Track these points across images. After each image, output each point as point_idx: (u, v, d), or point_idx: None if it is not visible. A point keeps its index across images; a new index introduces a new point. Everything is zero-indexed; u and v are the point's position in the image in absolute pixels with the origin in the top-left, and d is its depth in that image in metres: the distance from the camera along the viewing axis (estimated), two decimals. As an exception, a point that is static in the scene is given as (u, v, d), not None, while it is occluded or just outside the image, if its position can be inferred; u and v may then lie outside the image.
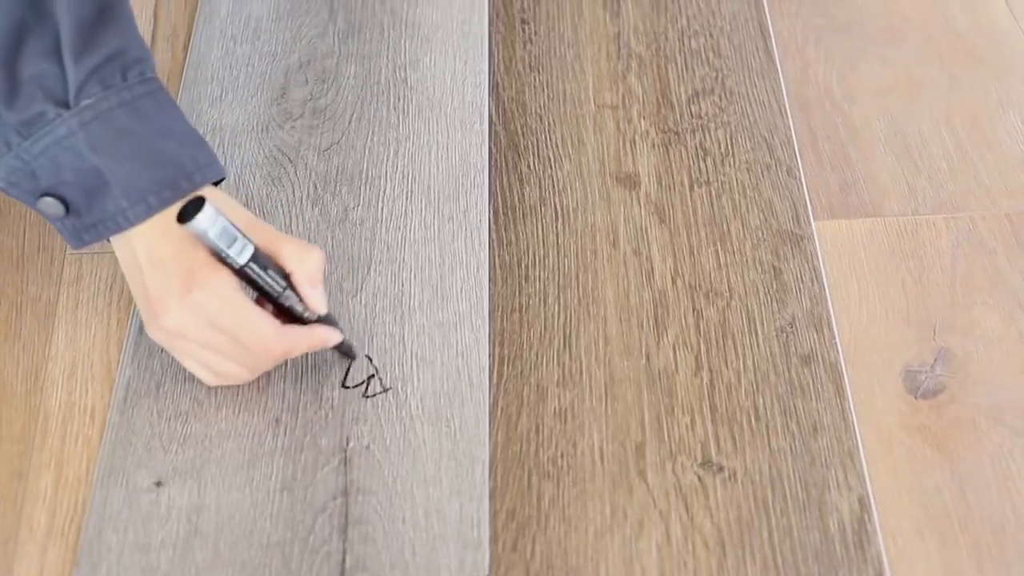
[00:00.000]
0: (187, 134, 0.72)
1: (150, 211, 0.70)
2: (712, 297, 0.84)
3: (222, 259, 0.71)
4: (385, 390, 0.78)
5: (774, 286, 0.84)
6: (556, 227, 0.88)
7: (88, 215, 0.70)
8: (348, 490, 0.74)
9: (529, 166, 0.92)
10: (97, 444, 0.78)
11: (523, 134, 0.94)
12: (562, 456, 0.77)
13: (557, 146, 0.93)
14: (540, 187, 0.91)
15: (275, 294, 0.74)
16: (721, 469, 0.76)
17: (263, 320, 0.73)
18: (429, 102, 0.95)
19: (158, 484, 0.75)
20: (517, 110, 0.96)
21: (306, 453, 0.76)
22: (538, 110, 0.95)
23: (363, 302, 0.83)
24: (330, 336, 0.77)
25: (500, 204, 0.89)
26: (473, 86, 0.96)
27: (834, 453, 0.76)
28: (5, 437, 0.79)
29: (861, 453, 0.76)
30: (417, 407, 0.78)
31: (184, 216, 0.69)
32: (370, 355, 0.80)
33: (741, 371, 0.80)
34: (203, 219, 0.68)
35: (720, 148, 0.93)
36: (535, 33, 1.01)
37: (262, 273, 0.72)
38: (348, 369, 0.79)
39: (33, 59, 0.66)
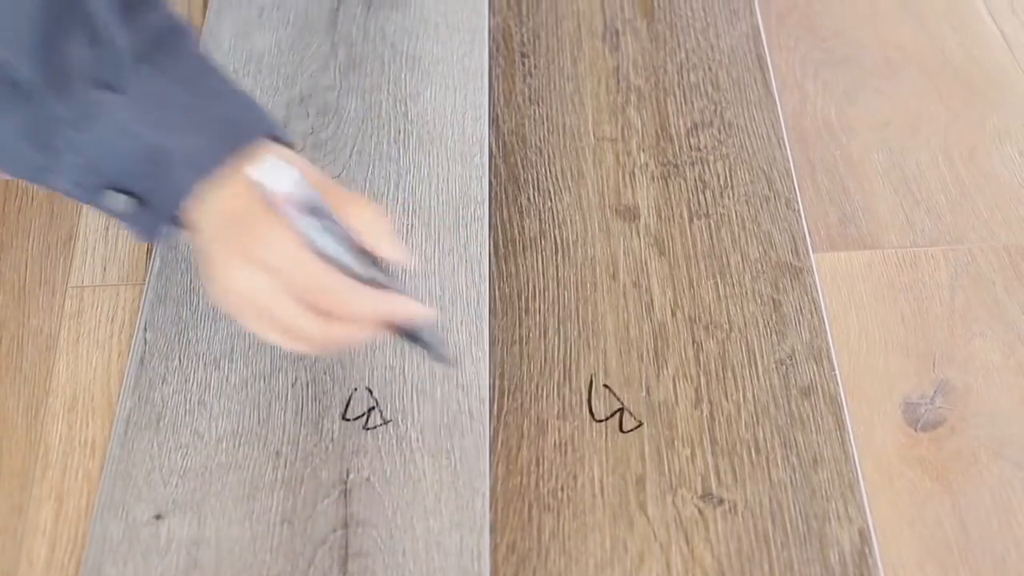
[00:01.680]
0: (237, 97, 0.71)
1: (206, 172, 0.67)
2: (712, 329, 0.84)
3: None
4: (385, 422, 0.79)
5: (773, 318, 0.84)
6: (556, 259, 0.88)
7: (155, 198, 0.68)
8: (348, 522, 0.74)
9: (529, 199, 0.92)
10: (97, 477, 0.78)
11: (523, 167, 0.95)
12: (562, 489, 0.76)
13: (557, 179, 0.94)
14: (540, 220, 0.91)
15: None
16: (721, 502, 0.76)
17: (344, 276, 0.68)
18: (429, 135, 0.95)
19: (158, 517, 0.75)
20: (517, 143, 0.96)
21: (306, 485, 0.76)
22: (538, 143, 0.96)
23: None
24: (411, 306, 0.70)
25: (500, 237, 0.90)
26: (473, 119, 0.96)
27: (834, 485, 0.76)
28: (5, 470, 0.79)
29: (861, 485, 0.76)
30: (417, 439, 0.78)
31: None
32: (370, 387, 0.80)
33: (741, 403, 0.80)
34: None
35: (719, 180, 0.93)
36: (535, 66, 1.02)
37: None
38: (348, 401, 0.79)
39: (77, 47, 0.65)
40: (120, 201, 0.68)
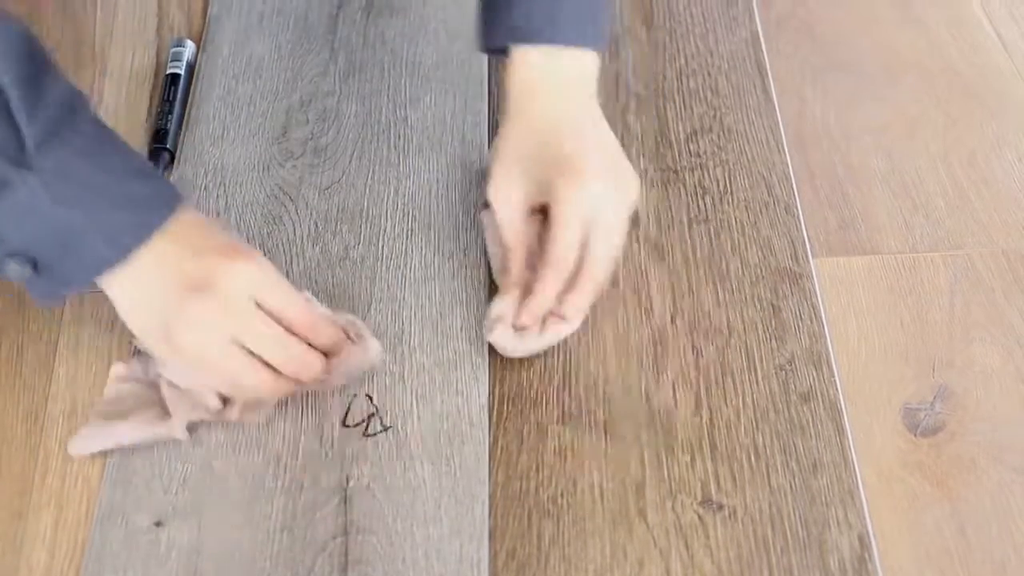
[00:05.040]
0: (147, 169, 0.74)
1: (129, 249, 0.70)
2: (711, 335, 0.84)
3: None
4: (385, 429, 0.79)
5: (773, 324, 0.84)
6: (556, 265, 0.88)
7: (60, 267, 0.70)
8: (348, 529, 0.74)
9: (529, 204, 0.92)
10: (97, 484, 0.78)
11: (523, 172, 0.94)
12: (562, 495, 0.76)
13: (556, 184, 0.93)
14: (540, 225, 0.91)
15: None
16: (721, 507, 0.76)
17: (306, 303, 0.76)
18: (429, 141, 0.95)
19: (158, 524, 0.75)
20: (517, 149, 0.96)
21: (306, 492, 0.76)
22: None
23: (363, 340, 0.83)
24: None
25: (500, 242, 0.90)
26: (473, 125, 0.96)
27: (834, 491, 0.76)
28: (5, 476, 0.79)
29: (861, 491, 0.76)
30: (417, 446, 0.78)
31: None
32: (370, 394, 0.80)
33: (740, 409, 0.80)
34: None
35: (719, 186, 0.93)
36: (534, 72, 1.02)
37: None
38: (348, 408, 0.79)
39: None
40: (15, 269, 0.69)
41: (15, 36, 0.68)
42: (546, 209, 0.80)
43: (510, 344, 0.81)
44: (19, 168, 0.66)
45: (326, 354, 0.76)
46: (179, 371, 0.76)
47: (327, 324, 0.77)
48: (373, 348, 0.79)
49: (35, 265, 0.69)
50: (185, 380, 0.77)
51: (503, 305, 0.81)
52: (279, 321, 0.73)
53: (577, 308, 0.80)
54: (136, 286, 0.73)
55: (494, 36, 0.83)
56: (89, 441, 0.78)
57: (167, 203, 0.73)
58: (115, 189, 0.70)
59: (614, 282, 0.86)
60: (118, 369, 0.80)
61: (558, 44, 0.81)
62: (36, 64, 0.68)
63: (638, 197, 0.83)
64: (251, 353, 0.73)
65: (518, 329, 0.80)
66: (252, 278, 0.72)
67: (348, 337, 0.78)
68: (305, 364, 0.75)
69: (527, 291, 0.79)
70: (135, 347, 0.81)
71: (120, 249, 0.70)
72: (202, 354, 0.73)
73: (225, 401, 0.77)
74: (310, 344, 0.75)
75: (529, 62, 0.82)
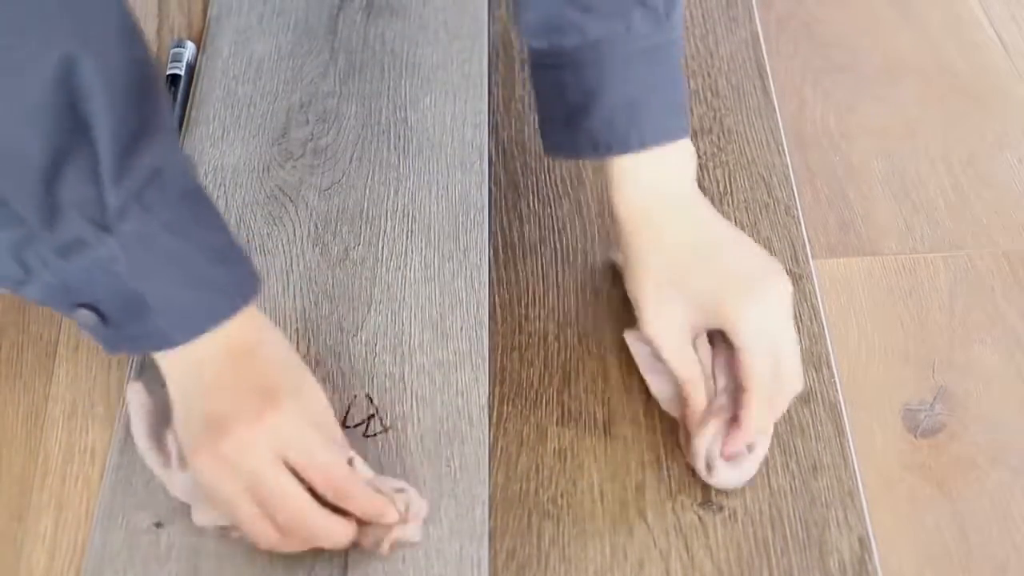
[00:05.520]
0: (228, 251, 0.70)
1: (193, 334, 0.68)
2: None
3: None
4: (385, 429, 0.79)
5: (773, 325, 0.84)
6: (556, 266, 0.88)
7: (125, 328, 0.68)
8: (348, 530, 0.74)
9: (529, 205, 0.92)
10: (97, 484, 0.78)
11: (523, 173, 0.95)
12: (562, 495, 0.76)
13: (556, 185, 0.94)
14: (540, 226, 0.91)
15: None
16: (721, 508, 0.76)
17: (338, 454, 0.71)
18: (429, 142, 0.95)
19: (158, 525, 0.75)
20: (517, 149, 0.96)
21: (306, 493, 0.76)
22: (537, 149, 0.95)
23: (363, 341, 0.83)
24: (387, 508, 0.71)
25: (500, 243, 0.90)
26: (473, 126, 0.96)
27: (834, 492, 0.76)
28: (5, 477, 0.79)
29: (861, 492, 0.76)
30: (417, 446, 0.78)
31: None
32: (370, 394, 0.80)
33: (741, 410, 0.80)
34: None
35: (719, 187, 0.93)
36: (534, 73, 1.02)
37: None
38: (348, 409, 0.79)
39: (73, 183, 0.62)
40: (87, 317, 0.67)
41: (140, 75, 0.64)
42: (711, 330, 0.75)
43: (733, 477, 0.75)
44: (99, 230, 0.63)
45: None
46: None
47: (363, 492, 0.70)
48: (416, 524, 0.73)
49: (103, 319, 0.67)
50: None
51: (706, 442, 0.75)
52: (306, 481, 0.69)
53: (774, 421, 0.77)
54: (184, 377, 0.70)
55: (573, 147, 0.77)
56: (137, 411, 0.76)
57: (241, 293, 0.69)
58: (192, 271, 0.67)
59: (614, 282, 0.86)
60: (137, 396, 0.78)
61: (649, 148, 0.74)
62: (145, 113, 0.64)
63: (789, 280, 0.76)
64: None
65: (728, 459, 0.75)
66: (276, 434, 0.68)
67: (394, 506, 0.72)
68: (322, 534, 0.69)
69: (716, 415, 0.75)
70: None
71: (184, 333, 0.68)
72: (213, 490, 0.69)
73: None
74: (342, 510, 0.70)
75: (627, 176, 0.75)
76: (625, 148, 0.74)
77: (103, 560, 0.73)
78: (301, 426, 0.69)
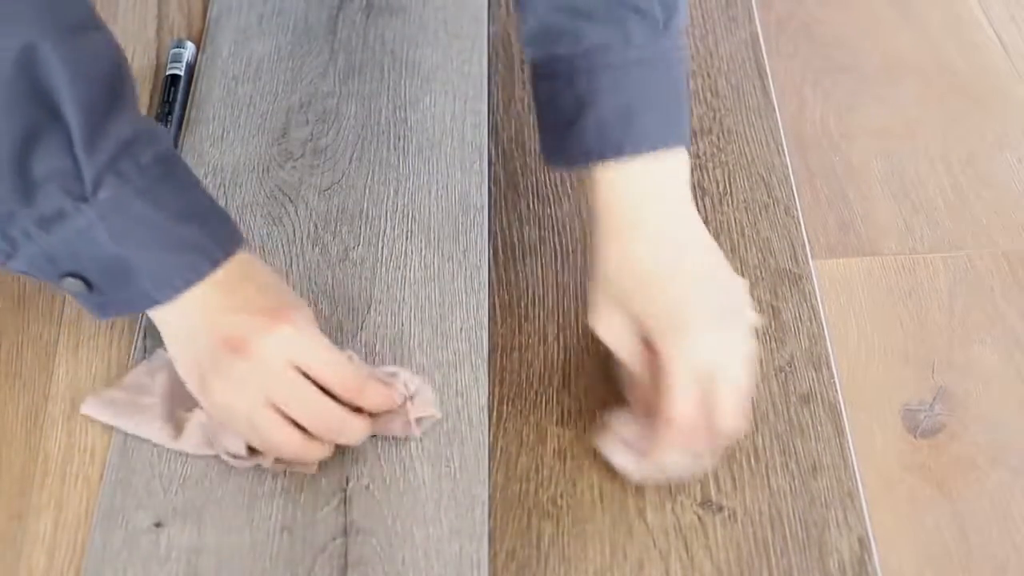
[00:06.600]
0: (205, 211, 0.72)
1: (176, 292, 0.70)
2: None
3: None
4: (385, 430, 0.79)
5: (772, 325, 0.84)
6: (556, 266, 0.88)
7: (112, 293, 0.71)
8: (348, 530, 0.74)
9: (528, 205, 0.92)
10: (97, 484, 0.77)
11: (522, 174, 0.95)
12: (562, 496, 0.76)
13: (556, 185, 0.94)
14: (540, 226, 0.91)
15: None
16: (721, 509, 0.76)
17: (349, 363, 0.75)
18: (429, 142, 0.95)
19: (158, 525, 0.75)
20: (516, 150, 0.96)
21: (306, 493, 0.76)
22: (537, 150, 0.96)
23: (363, 342, 0.83)
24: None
25: (499, 243, 0.90)
26: (473, 126, 0.96)
27: (834, 493, 0.76)
28: (4, 477, 0.79)
29: (861, 493, 0.76)
30: (416, 447, 0.78)
31: None
32: (370, 394, 0.80)
33: (740, 410, 0.80)
34: None
35: (718, 187, 0.93)
36: (534, 73, 1.02)
37: None
38: (348, 408, 0.80)
39: (47, 157, 0.65)
40: (73, 284, 0.70)
41: (101, 61, 0.68)
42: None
43: (631, 466, 0.76)
44: (76, 200, 0.66)
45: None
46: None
47: (374, 385, 0.75)
48: (429, 400, 0.78)
49: (89, 285, 0.70)
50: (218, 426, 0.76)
51: (626, 426, 0.76)
52: (321, 385, 0.72)
53: (710, 460, 0.76)
54: (180, 328, 0.73)
55: (567, 156, 0.76)
56: (102, 411, 0.79)
57: (221, 248, 0.72)
58: (170, 233, 0.69)
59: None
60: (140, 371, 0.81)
61: (640, 153, 0.73)
62: (110, 93, 0.67)
63: (752, 318, 0.75)
64: (285, 415, 0.72)
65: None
66: (289, 342, 0.71)
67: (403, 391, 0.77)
68: (345, 429, 0.74)
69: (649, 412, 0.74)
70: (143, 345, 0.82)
71: (167, 291, 0.70)
72: (232, 410, 0.72)
73: (253, 450, 0.76)
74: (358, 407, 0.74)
75: (613, 184, 0.74)
76: (618, 154, 0.73)
77: (103, 560, 0.73)
78: (308, 332, 0.73)
